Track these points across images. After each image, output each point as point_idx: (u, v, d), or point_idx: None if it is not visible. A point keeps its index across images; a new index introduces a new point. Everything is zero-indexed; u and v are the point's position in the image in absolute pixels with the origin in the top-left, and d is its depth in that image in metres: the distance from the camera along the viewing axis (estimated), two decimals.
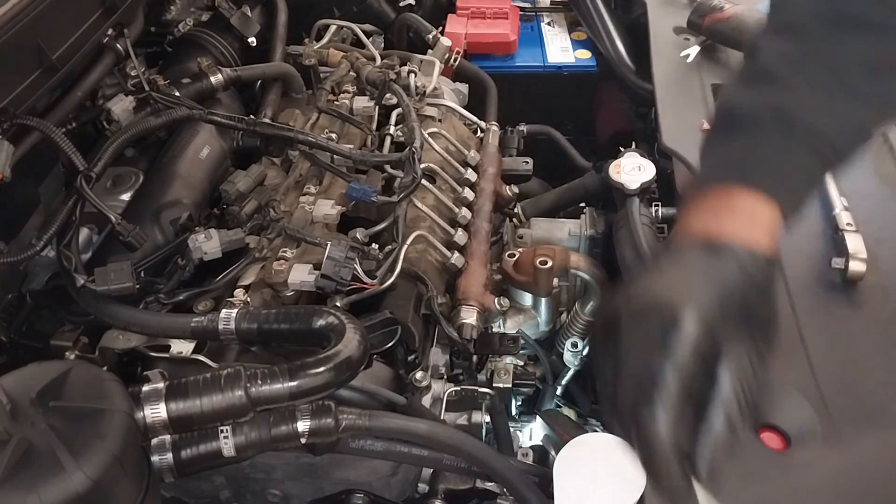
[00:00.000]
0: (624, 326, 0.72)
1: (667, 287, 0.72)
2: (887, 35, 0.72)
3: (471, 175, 1.50)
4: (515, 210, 1.60)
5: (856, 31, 0.73)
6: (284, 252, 1.23)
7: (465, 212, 1.43)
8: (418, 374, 1.19)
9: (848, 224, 1.13)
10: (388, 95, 1.57)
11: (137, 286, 1.10)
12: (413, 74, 1.59)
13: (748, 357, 0.71)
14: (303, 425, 0.97)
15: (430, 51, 1.75)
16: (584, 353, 1.43)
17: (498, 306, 1.33)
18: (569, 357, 1.43)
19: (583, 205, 1.66)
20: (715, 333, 0.70)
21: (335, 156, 1.40)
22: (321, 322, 1.04)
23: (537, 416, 1.45)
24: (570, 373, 1.45)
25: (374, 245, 1.23)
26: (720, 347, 0.70)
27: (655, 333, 0.70)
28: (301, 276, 1.17)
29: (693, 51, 1.58)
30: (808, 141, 0.73)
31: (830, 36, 0.73)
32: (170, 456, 0.95)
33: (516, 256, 1.41)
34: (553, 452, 1.27)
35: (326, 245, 1.15)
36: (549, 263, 1.35)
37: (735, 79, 0.82)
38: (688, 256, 0.73)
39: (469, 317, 1.27)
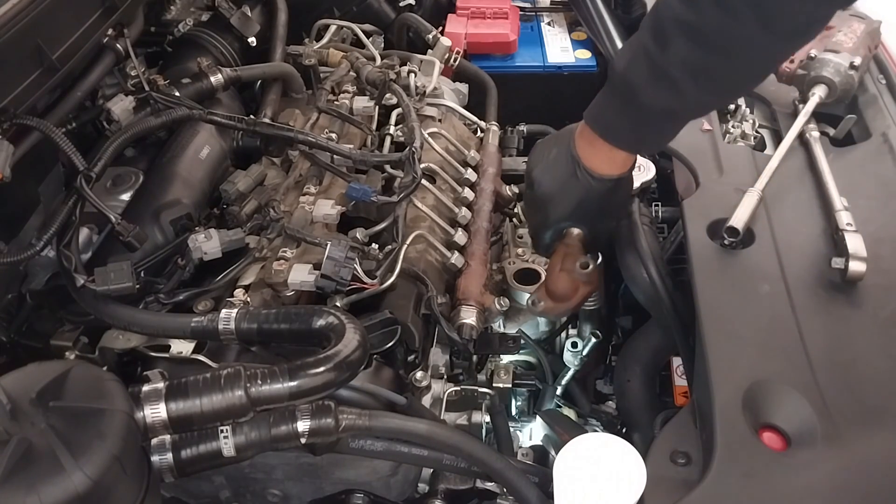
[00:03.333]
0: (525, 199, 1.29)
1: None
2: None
3: (471, 175, 1.50)
4: (515, 210, 1.60)
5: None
6: (284, 252, 1.23)
7: (465, 212, 1.43)
8: (418, 374, 1.19)
9: (848, 224, 1.12)
10: (388, 95, 1.57)
11: (137, 286, 1.10)
12: (413, 74, 1.59)
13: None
14: (303, 425, 0.97)
15: (430, 51, 1.75)
16: (585, 353, 1.43)
17: (498, 306, 1.33)
18: (569, 357, 1.43)
19: None
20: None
21: (335, 156, 1.40)
22: (321, 322, 1.04)
23: (537, 416, 1.45)
24: (570, 373, 1.44)
25: (374, 245, 1.23)
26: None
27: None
28: (301, 276, 1.17)
29: None
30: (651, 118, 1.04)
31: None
32: (170, 456, 0.95)
33: (544, 286, 1.26)
34: (553, 452, 1.27)
35: (326, 245, 1.15)
36: (590, 266, 1.20)
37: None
38: (565, 167, 1.14)
39: (469, 317, 1.27)
